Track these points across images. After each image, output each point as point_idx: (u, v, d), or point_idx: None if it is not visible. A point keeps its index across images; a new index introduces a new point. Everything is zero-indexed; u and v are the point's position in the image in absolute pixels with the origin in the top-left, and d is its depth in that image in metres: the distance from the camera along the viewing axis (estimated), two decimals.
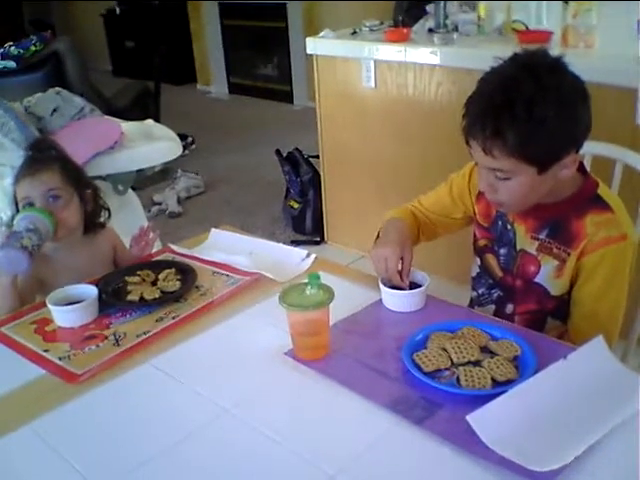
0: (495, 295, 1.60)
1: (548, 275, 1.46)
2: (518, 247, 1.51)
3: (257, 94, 7.17)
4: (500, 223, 1.54)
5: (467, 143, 1.35)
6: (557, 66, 1.30)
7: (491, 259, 1.59)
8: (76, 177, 1.75)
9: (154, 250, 1.85)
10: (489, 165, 1.33)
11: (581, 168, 1.44)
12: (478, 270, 1.64)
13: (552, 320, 1.52)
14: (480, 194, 1.54)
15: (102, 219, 1.82)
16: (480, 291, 1.64)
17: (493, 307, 1.60)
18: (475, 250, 1.64)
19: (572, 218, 1.41)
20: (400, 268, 1.44)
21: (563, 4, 2.70)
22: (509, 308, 1.56)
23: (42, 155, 1.75)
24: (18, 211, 1.67)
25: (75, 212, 1.70)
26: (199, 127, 5.88)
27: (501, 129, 1.27)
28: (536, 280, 1.48)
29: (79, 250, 1.74)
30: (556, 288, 1.47)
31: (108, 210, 1.84)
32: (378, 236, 1.62)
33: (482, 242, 1.60)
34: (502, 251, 1.55)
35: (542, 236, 1.46)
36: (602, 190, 1.44)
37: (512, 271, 1.53)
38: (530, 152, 1.28)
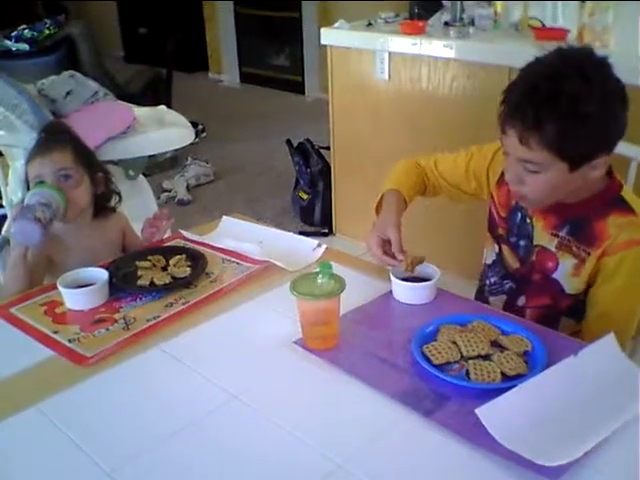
0: (507, 286, 1.59)
1: (565, 273, 1.46)
2: (535, 242, 1.50)
3: (269, 84, 7.15)
4: (519, 215, 1.53)
5: (503, 131, 1.33)
6: (603, 65, 1.30)
7: (507, 250, 1.58)
8: (88, 159, 1.76)
9: (165, 236, 1.85)
10: (522, 156, 1.32)
11: (608, 169, 1.43)
12: (494, 258, 1.63)
13: (566, 319, 1.51)
14: (502, 181, 1.52)
15: (112, 203, 1.83)
16: (493, 280, 1.63)
17: (504, 297, 1.60)
18: (493, 236, 1.63)
19: (594, 218, 1.40)
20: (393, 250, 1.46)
21: (580, 3, 2.68)
22: (521, 300, 1.56)
23: (55, 137, 1.76)
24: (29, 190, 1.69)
25: (85, 193, 1.71)
26: (210, 115, 5.88)
27: (542, 120, 1.26)
28: (553, 276, 1.48)
29: (88, 232, 1.75)
30: (572, 286, 1.46)
31: (119, 195, 1.85)
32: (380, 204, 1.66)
33: (500, 230, 1.60)
34: (521, 243, 1.54)
35: (562, 233, 1.45)
36: (626, 192, 1.43)
37: (529, 264, 1.53)
38: (567, 148, 1.27)
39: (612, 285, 1.41)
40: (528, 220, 1.51)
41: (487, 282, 1.65)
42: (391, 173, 1.74)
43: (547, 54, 1.32)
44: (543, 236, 1.48)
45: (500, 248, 1.62)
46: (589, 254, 1.41)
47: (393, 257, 1.45)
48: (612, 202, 1.41)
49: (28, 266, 1.61)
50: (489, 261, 1.66)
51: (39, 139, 1.76)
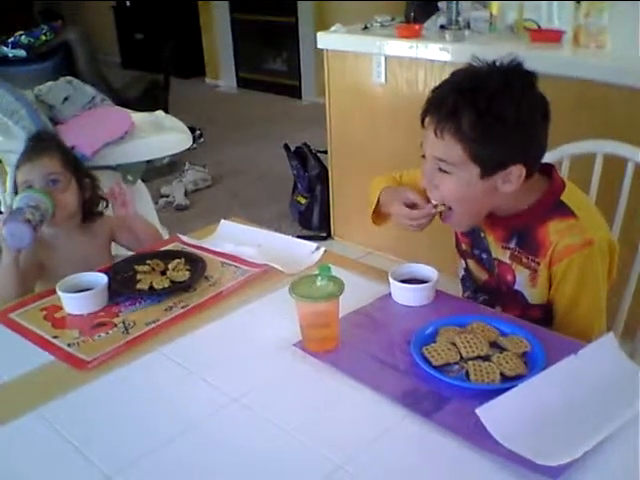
0: (481, 299, 1.58)
1: (524, 284, 1.45)
2: (493, 255, 1.50)
3: (265, 89, 7.16)
4: (475, 230, 1.52)
5: (422, 125, 1.35)
6: (529, 77, 1.31)
7: (473, 263, 1.58)
8: (75, 165, 1.81)
9: (163, 240, 1.86)
10: (436, 152, 1.33)
11: (548, 171, 1.42)
12: (463, 273, 1.64)
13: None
14: None
15: (100, 208, 1.86)
16: (467, 294, 1.63)
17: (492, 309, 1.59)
18: (459, 252, 1.63)
19: (536, 226, 1.39)
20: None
21: (575, 4, 2.69)
22: (497, 310, 1.52)
23: (43, 144, 1.81)
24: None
25: (73, 197, 1.74)
26: (207, 121, 5.88)
27: (458, 111, 1.27)
28: (516, 287, 1.47)
29: (78, 237, 1.78)
30: (533, 297, 1.46)
31: (106, 200, 1.88)
32: (378, 203, 1.68)
33: (463, 246, 1.60)
34: (484, 256, 1.53)
35: (511, 245, 1.45)
36: (568, 194, 1.41)
37: (494, 275, 1.52)
38: (479, 145, 1.28)
39: (564, 291, 1.40)
40: (482, 234, 1.51)
41: (465, 295, 1.65)
42: (372, 187, 1.78)
43: (479, 61, 1.35)
44: (497, 249, 1.48)
45: (467, 263, 1.61)
46: (539, 264, 1.40)
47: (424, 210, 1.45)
48: (552, 208, 1.39)
49: (20, 272, 1.62)
50: (460, 276, 1.66)
51: (27, 146, 1.81)
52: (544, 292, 1.44)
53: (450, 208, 1.40)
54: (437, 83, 1.39)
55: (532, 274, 1.42)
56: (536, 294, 1.45)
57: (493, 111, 1.25)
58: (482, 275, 1.57)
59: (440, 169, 1.33)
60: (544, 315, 1.46)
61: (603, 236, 1.38)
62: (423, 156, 1.39)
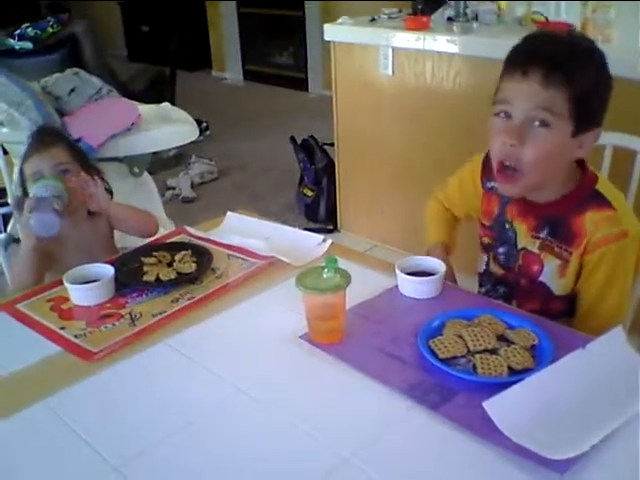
0: (501, 290, 1.59)
1: (551, 274, 1.45)
2: (519, 246, 1.49)
3: (272, 82, 7.16)
4: (500, 222, 1.53)
5: (522, 75, 1.29)
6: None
7: (491, 258, 1.59)
8: (82, 156, 1.84)
9: (168, 231, 1.86)
10: (540, 103, 1.28)
11: (580, 163, 1.42)
12: (484, 267, 1.64)
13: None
14: (485, 191, 1.55)
15: None
16: (487, 287, 1.63)
17: (501, 301, 1.59)
18: (482, 246, 1.64)
19: (571, 216, 1.39)
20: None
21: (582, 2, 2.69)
22: (514, 304, 1.54)
23: (48, 135, 1.84)
24: (24, 189, 1.75)
25: (99, 184, 1.76)
26: (214, 113, 5.88)
27: (570, 62, 1.28)
28: (540, 279, 1.47)
29: (84, 228, 1.78)
30: (560, 288, 1.45)
31: (111, 192, 1.87)
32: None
33: (486, 240, 1.60)
34: (501, 250, 1.54)
35: (543, 235, 1.44)
36: (601, 185, 1.41)
37: (513, 269, 1.52)
38: (581, 99, 1.28)
39: (594, 282, 1.40)
40: (508, 226, 1.51)
41: (483, 290, 1.65)
42: (427, 225, 1.78)
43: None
44: (527, 239, 1.47)
45: (488, 257, 1.61)
46: (571, 253, 1.40)
47: None
48: (588, 198, 1.39)
49: (37, 263, 1.64)
50: (480, 270, 1.66)
51: (33, 139, 1.82)
52: (571, 282, 1.44)
53: (515, 170, 1.34)
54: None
55: (562, 264, 1.42)
56: (563, 285, 1.44)
57: (598, 68, 1.30)
58: (498, 270, 1.57)
59: (540, 122, 1.29)
60: (566, 307, 1.46)
61: (637, 228, 1.39)
62: (497, 114, 1.36)
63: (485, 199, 1.58)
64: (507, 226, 1.51)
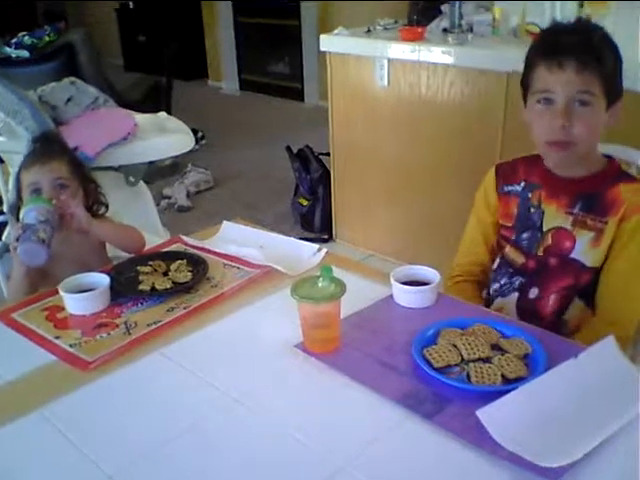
0: (517, 282, 1.62)
1: (584, 248, 1.52)
2: (546, 227, 1.56)
3: (268, 91, 7.18)
4: (523, 209, 1.60)
5: (558, 67, 1.43)
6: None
7: (510, 249, 1.63)
8: (81, 170, 1.82)
9: (164, 241, 1.86)
10: (580, 87, 1.43)
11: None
12: (499, 261, 1.67)
13: (578, 301, 1.55)
14: (500, 195, 1.63)
15: (100, 212, 1.86)
16: (502, 281, 1.65)
17: (516, 295, 1.61)
18: (499, 247, 1.68)
19: (605, 189, 1.51)
20: None
21: (578, 8, 2.69)
22: (533, 292, 1.58)
23: (50, 146, 1.82)
24: (19, 197, 1.74)
25: (80, 204, 1.73)
26: (209, 123, 5.89)
27: (601, 48, 1.45)
28: (572, 256, 1.53)
29: (75, 242, 1.76)
30: (592, 259, 1.52)
31: (106, 206, 1.88)
32: None
33: (503, 232, 1.66)
34: (524, 235, 1.60)
35: (576, 210, 1.53)
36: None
37: (535, 255, 1.58)
38: (611, 77, 1.45)
39: (628, 256, 1.49)
40: (533, 210, 1.58)
41: (496, 286, 1.66)
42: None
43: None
44: (557, 217, 1.55)
45: (504, 250, 1.65)
46: (606, 223, 1.49)
47: None
48: (618, 175, 1.54)
49: (31, 281, 1.65)
50: (495, 266, 1.69)
51: (34, 147, 1.82)
52: (604, 253, 1.51)
53: (567, 145, 1.47)
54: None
55: (596, 235, 1.51)
56: (596, 255, 1.52)
57: (613, 48, 1.47)
58: (519, 258, 1.61)
59: (581, 102, 1.44)
60: (591, 282, 1.54)
61: None
62: (538, 102, 1.49)
63: (502, 204, 1.65)
64: (532, 210, 1.59)
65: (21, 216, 1.62)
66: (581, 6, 2.68)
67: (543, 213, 1.57)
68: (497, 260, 1.68)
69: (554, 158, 1.53)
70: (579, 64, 1.42)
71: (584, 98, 1.44)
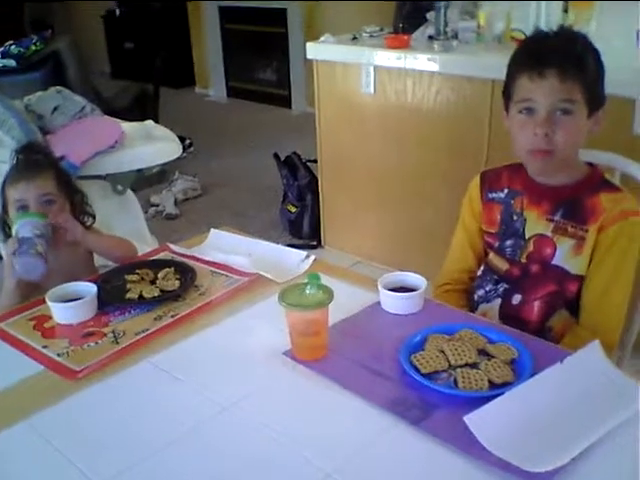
0: (501, 289, 1.62)
1: (566, 255, 1.52)
2: (528, 234, 1.57)
3: (255, 98, 7.17)
4: (506, 216, 1.60)
5: (539, 75, 1.43)
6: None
7: (494, 256, 1.64)
8: (68, 183, 1.81)
9: (151, 249, 1.86)
10: (562, 95, 1.43)
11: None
12: (483, 268, 1.68)
13: (563, 311, 1.55)
14: (485, 203, 1.63)
15: (88, 224, 1.85)
16: (487, 288, 1.66)
17: (499, 301, 1.62)
18: (484, 253, 1.69)
19: (586, 197, 1.51)
20: None
21: (563, 14, 2.71)
22: (516, 299, 1.59)
23: (36, 159, 1.80)
24: (5, 211, 1.73)
25: (68, 216, 1.73)
26: (197, 130, 5.88)
27: (582, 56, 1.44)
28: (553, 262, 1.53)
29: (63, 254, 1.75)
30: (576, 266, 1.52)
31: (93, 216, 1.87)
32: None
33: (487, 239, 1.66)
34: (508, 242, 1.60)
35: (557, 217, 1.53)
36: (608, 177, 1.57)
37: (519, 261, 1.58)
38: (592, 85, 1.45)
39: (603, 270, 1.49)
40: (516, 217, 1.58)
41: (481, 292, 1.67)
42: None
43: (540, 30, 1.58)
44: (538, 224, 1.55)
45: (487, 258, 1.66)
46: (587, 231, 1.49)
47: None
48: (599, 183, 1.53)
49: (21, 292, 1.64)
50: (480, 273, 1.69)
51: (19, 160, 1.80)
52: (586, 260, 1.51)
53: (549, 152, 1.47)
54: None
55: (578, 242, 1.51)
56: (579, 263, 1.51)
57: (595, 55, 1.47)
58: (502, 265, 1.62)
59: (563, 111, 1.44)
60: (579, 290, 1.54)
61: None
62: (520, 112, 1.49)
63: (486, 211, 1.65)
64: (515, 217, 1.59)
65: (15, 230, 1.62)
66: (565, 11, 2.70)
67: (525, 220, 1.57)
68: (482, 267, 1.69)
69: (536, 166, 1.53)
70: (561, 73, 1.42)
71: (566, 107, 1.44)
